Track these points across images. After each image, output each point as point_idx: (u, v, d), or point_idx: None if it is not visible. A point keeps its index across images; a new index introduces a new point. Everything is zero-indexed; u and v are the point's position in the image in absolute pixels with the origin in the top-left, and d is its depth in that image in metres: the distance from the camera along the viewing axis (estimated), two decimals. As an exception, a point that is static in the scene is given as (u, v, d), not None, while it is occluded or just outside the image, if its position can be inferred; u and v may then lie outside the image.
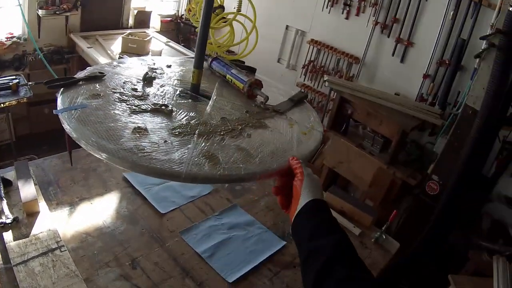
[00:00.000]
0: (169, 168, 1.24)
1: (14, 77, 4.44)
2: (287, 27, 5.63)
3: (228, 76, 1.96)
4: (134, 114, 1.53)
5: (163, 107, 1.59)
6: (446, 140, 3.62)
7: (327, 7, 4.96)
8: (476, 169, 3.31)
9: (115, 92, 1.68)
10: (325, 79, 4.41)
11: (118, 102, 1.60)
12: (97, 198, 2.37)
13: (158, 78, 1.92)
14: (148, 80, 1.83)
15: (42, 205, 2.18)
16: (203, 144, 1.40)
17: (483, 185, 3.68)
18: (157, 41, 6.04)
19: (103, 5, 5.97)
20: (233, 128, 1.55)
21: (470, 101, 3.33)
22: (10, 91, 4.15)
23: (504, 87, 2.93)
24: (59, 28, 5.71)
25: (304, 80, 5.43)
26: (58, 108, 1.50)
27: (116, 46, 5.58)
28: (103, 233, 2.15)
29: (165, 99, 1.70)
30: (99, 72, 1.80)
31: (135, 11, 6.43)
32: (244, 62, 2.29)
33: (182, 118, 1.56)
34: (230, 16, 3.23)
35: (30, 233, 2.00)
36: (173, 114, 1.58)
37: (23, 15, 5.11)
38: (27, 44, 5.48)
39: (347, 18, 4.81)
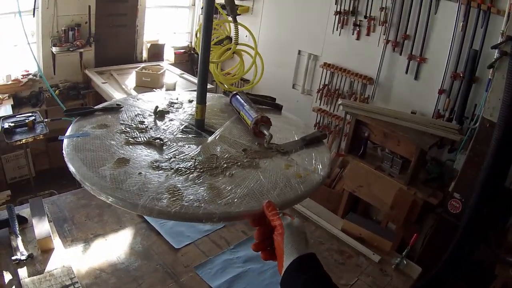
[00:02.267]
0: (129, 198, 1.22)
1: (30, 114, 4.52)
2: (299, 52, 5.59)
3: (241, 112, 1.89)
4: (128, 145, 1.52)
5: (156, 141, 1.56)
6: (466, 156, 3.53)
7: (337, 29, 4.94)
8: (499, 182, 3.20)
9: (122, 124, 1.69)
10: (339, 103, 4.36)
11: (119, 133, 1.60)
12: (112, 234, 2.35)
13: (172, 112, 1.90)
14: (159, 114, 1.82)
15: (57, 241, 2.19)
16: (176, 179, 1.36)
17: (507, 198, 3.57)
18: (171, 74, 6.06)
19: (116, 40, 6.04)
20: (217, 166, 1.47)
21: (486, 113, 3.26)
22: (26, 128, 4.23)
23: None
24: (74, 64, 5.79)
25: (320, 105, 5.38)
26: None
27: (130, 80, 5.62)
28: (117, 269, 2.13)
29: (166, 133, 1.67)
30: (117, 104, 1.84)
31: (148, 45, 6.49)
32: (275, 99, 2.22)
33: (171, 152, 1.52)
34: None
35: (44, 269, 2.00)
36: (165, 148, 1.55)
37: (33, 54, 5.21)
38: (43, 81, 5.54)
39: (358, 38, 4.77)
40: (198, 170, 1.43)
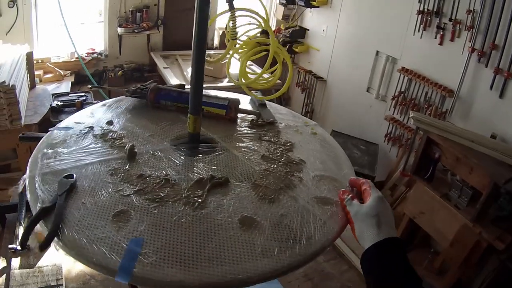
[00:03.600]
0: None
1: (83, 94, 4.50)
2: (377, 52, 5.09)
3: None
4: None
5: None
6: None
7: (418, 31, 4.39)
8: None
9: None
10: (411, 115, 3.81)
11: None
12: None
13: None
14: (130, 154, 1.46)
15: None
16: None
17: None
18: (239, 64, 5.74)
19: (185, 25, 5.86)
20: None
21: None
22: (74, 108, 4.18)
23: None
24: (141, 46, 5.78)
25: (393, 113, 4.86)
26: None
27: (194, 68, 5.39)
28: (108, 279, 2.01)
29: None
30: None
31: (221, 31, 6.29)
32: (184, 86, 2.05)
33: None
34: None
35: (36, 264, 1.99)
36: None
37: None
38: (108, 60, 5.53)
39: (440, 43, 4.20)
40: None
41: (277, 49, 2.48)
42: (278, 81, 2.32)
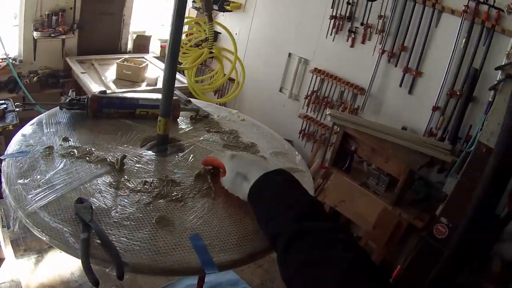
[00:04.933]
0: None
1: (2, 102, 4.31)
2: (289, 54, 5.36)
3: (139, 110, 1.79)
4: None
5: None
6: (457, 180, 3.34)
7: (331, 34, 4.72)
8: (489, 211, 3.03)
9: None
10: (327, 113, 4.12)
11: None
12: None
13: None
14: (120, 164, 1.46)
15: (9, 250, 2.01)
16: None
17: (495, 225, 3.40)
18: (155, 68, 5.83)
19: (101, 29, 5.82)
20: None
21: (483, 137, 3.03)
22: None
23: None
24: (55, 51, 5.60)
25: (307, 111, 5.16)
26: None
27: (111, 72, 5.40)
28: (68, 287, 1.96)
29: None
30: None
31: (134, 35, 6.26)
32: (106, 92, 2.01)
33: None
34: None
35: None
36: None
37: None
38: (23, 66, 5.35)
39: (352, 46, 4.55)
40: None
41: (219, 54, 2.68)
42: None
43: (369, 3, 4.29)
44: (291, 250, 0.92)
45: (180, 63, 2.81)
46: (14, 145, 1.46)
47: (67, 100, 1.72)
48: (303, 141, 5.28)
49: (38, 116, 1.68)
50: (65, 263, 2.14)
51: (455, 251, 3.02)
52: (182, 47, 2.81)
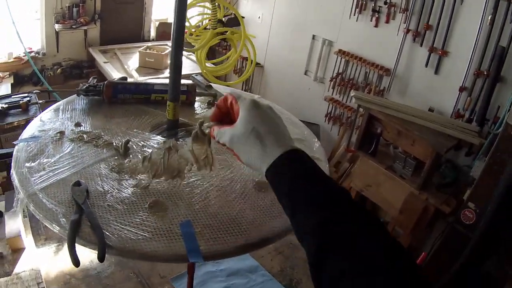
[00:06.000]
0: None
1: (26, 94, 4.36)
2: (313, 36, 5.25)
3: (154, 95, 1.82)
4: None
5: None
6: (485, 163, 3.23)
7: (354, 14, 4.60)
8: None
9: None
10: (352, 95, 4.04)
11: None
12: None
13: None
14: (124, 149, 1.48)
15: (29, 239, 2.06)
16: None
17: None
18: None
19: (122, 18, 5.81)
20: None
21: (511, 118, 2.94)
22: (20, 109, 4.04)
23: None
24: (78, 42, 5.64)
25: (332, 94, 5.07)
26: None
27: (134, 60, 5.40)
28: (88, 276, 2.02)
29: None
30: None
31: (157, 23, 6.23)
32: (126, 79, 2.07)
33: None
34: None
35: (13, 271, 1.91)
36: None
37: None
38: (46, 59, 5.40)
39: (376, 26, 4.43)
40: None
41: (232, 36, 2.63)
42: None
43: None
44: (325, 257, 0.75)
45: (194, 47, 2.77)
46: (28, 130, 1.55)
47: (84, 87, 1.78)
48: (329, 124, 5.20)
49: (57, 103, 1.76)
50: (84, 252, 2.15)
51: (482, 237, 2.95)
52: (195, 30, 2.76)
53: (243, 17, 5.54)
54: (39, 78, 5.28)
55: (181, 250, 1.05)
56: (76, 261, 1.01)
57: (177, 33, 1.46)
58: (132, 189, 1.25)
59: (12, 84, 4.99)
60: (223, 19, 5.87)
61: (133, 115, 1.71)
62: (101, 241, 1.03)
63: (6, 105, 4.07)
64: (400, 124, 3.60)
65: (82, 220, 1.08)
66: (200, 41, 2.76)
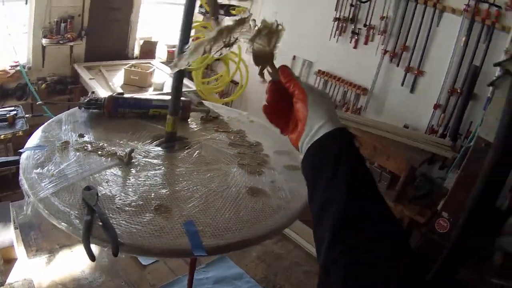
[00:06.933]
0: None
1: (12, 108, 4.37)
2: (294, 57, 5.42)
3: (152, 110, 1.93)
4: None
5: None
6: (457, 175, 3.39)
7: (334, 36, 4.80)
8: (489, 205, 3.08)
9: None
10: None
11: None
12: (78, 245, 2.26)
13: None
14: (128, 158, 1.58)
15: (21, 250, 2.10)
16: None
17: (497, 218, 3.44)
18: (161, 73, 5.88)
19: (108, 35, 5.88)
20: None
21: (483, 132, 3.08)
22: (6, 123, 4.05)
23: (519, 116, 2.73)
24: (63, 57, 5.64)
25: (312, 113, 5.18)
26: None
27: (118, 78, 5.47)
28: (80, 285, 2.06)
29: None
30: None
31: (141, 41, 6.33)
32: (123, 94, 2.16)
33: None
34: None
35: (5, 281, 1.92)
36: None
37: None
38: (31, 73, 5.42)
39: (355, 47, 4.64)
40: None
41: (225, 57, 2.78)
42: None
43: (371, 5, 4.39)
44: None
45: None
46: (33, 139, 1.61)
47: (86, 100, 1.85)
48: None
49: (58, 115, 1.83)
50: (75, 262, 2.21)
51: (456, 245, 3.07)
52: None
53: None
54: (23, 93, 5.29)
55: (186, 246, 1.16)
56: (92, 256, 1.11)
57: (181, 48, 1.57)
58: (138, 192, 1.37)
59: (-5, 98, 4.99)
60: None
61: (133, 128, 1.81)
62: (114, 238, 1.12)
63: (-7, 119, 4.06)
64: (375, 140, 3.76)
65: (94, 220, 1.18)
66: (196, 62, 2.90)
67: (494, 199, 3.08)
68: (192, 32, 2.73)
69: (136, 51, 6.39)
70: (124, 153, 1.55)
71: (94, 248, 2.15)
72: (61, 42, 5.33)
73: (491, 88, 3.18)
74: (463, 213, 3.00)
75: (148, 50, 6.33)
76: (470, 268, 3.23)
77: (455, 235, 3.08)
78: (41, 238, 2.27)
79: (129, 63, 5.61)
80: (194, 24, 2.54)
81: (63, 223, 1.18)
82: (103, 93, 4.84)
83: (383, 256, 0.74)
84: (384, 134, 3.79)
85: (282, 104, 0.99)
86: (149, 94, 5.21)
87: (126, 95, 2.05)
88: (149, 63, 5.93)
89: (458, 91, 3.85)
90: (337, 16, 4.73)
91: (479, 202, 2.92)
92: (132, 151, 1.56)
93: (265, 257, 2.49)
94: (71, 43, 5.48)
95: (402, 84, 4.27)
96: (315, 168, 0.86)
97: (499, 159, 2.75)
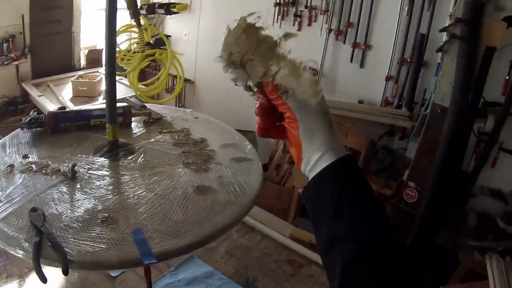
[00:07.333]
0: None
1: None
2: (240, 45, 5.35)
3: (93, 120, 1.89)
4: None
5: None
6: (418, 144, 3.43)
7: (277, 21, 4.78)
8: (454, 168, 3.14)
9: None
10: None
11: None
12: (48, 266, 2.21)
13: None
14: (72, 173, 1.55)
15: None
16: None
17: (465, 181, 3.49)
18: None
19: (52, 49, 5.74)
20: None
21: (437, 98, 3.13)
22: None
23: (471, 79, 2.80)
24: (11, 78, 5.48)
25: (264, 100, 5.17)
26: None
27: (67, 91, 5.36)
28: None
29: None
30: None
31: (86, 51, 6.20)
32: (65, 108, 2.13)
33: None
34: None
35: None
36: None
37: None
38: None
39: (299, 29, 4.60)
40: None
41: (160, 56, 2.74)
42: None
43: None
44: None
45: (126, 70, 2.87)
46: None
47: (27, 120, 1.81)
48: (265, 130, 5.30)
49: (2, 139, 1.79)
50: (47, 283, 2.19)
51: (427, 212, 3.12)
52: (126, 55, 2.88)
53: (170, 36, 5.60)
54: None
55: (136, 255, 1.14)
56: (43, 279, 1.08)
57: (109, 60, 1.53)
58: (84, 207, 1.33)
59: None
60: (151, 40, 5.94)
61: (76, 141, 1.77)
62: (63, 257, 1.10)
63: None
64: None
65: (43, 241, 1.15)
66: (131, 65, 2.87)
67: (459, 160, 3.14)
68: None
69: (83, 62, 6.26)
70: (68, 168, 1.51)
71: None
72: (5, 62, 5.21)
73: (440, 54, 3.23)
74: (430, 180, 3.08)
75: (94, 58, 6.21)
76: (447, 232, 3.29)
77: (424, 203, 3.13)
78: (9, 264, 2.24)
79: (76, 75, 5.50)
80: (122, 29, 2.51)
81: (14, 249, 1.15)
82: (52, 108, 4.74)
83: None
84: (339, 113, 3.80)
85: (275, 117, 0.86)
86: (99, 103, 5.13)
87: (67, 109, 2.02)
88: (97, 71, 5.83)
89: (408, 60, 3.89)
90: (277, 1, 4.70)
91: (444, 167, 2.98)
92: (74, 165, 1.52)
93: (234, 252, 2.48)
94: (16, 62, 5.35)
95: (351, 61, 4.29)
96: (316, 208, 0.80)
97: (457, 122, 2.83)
